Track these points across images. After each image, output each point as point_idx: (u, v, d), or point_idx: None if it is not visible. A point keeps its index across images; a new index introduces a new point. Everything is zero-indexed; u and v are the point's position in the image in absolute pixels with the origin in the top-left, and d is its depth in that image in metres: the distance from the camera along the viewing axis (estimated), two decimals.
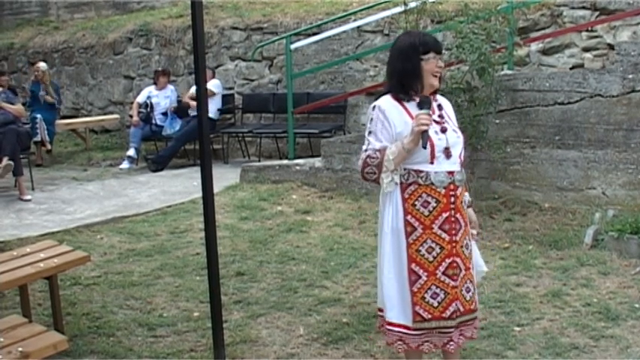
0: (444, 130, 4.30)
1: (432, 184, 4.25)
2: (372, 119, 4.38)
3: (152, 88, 13.71)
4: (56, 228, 8.61)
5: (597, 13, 10.32)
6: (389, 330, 4.43)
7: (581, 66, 10.20)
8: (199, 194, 4.81)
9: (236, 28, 13.83)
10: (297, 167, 10.24)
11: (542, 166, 8.46)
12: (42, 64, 14.35)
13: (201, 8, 4.61)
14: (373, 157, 4.34)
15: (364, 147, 4.42)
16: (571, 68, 10.15)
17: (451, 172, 4.27)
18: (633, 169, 8.09)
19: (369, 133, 4.40)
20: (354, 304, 6.27)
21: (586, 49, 10.37)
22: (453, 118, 4.47)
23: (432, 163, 4.25)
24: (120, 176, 12.26)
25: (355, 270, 7.13)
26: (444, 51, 8.87)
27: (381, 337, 5.56)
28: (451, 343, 4.37)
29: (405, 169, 4.31)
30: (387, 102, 4.38)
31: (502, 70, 9.22)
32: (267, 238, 8.15)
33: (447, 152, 4.27)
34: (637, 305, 6.03)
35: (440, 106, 4.42)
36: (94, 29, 16.19)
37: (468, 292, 4.35)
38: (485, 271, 4.77)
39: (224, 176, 10.87)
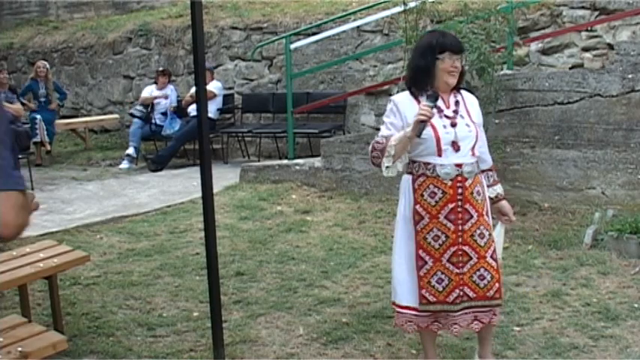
0: (453, 125, 4.49)
1: (438, 175, 4.47)
2: (387, 110, 4.66)
3: (153, 87, 13.72)
4: (56, 228, 8.61)
5: (597, 12, 10.33)
6: (398, 312, 4.74)
7: (581, 66, 10.21)
8: (199, 194, 4.82)
9: (236, 28, 13.83)
10: (297, 167, 10.24)
11: (541, 166, 8.46)
12: (45, 62, 14.40)
13: (200, 8, 4.61)
14: (379, 143, 4.57)
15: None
16: (570, 68, 10.15)
17: (459, 165, 4.47)
18: (633, 168, 8.09)
19: (383, 123, 4.67)
20: (354, 304, 6.27)
21: (585, 49, 10.37)
22: (474, 114, 4.64)
23: (439, 155, 4.47)
24: (119, 176, 12.27)
25: (355, 270, 7.13)
26: None
27: (380, 337, 5.58)
28: (455, 326, 4.62)
29: (415, 162, 4.55)
30: (402, 96, 4.66)
31: (502, 69, 9.22)
32: (266, 238, 8.15)
33: (455, 146, 4.47)
34: (636, 305, 6.03)
35: (457, 102, 4.61)
36: (93, 29, 16.20)
37: (482, 279, 4.56)
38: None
39: (224, 176, 10.87)
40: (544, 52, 10.66)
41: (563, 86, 8.45)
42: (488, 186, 4.76)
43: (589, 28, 10.30)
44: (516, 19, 10.04)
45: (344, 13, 11.95)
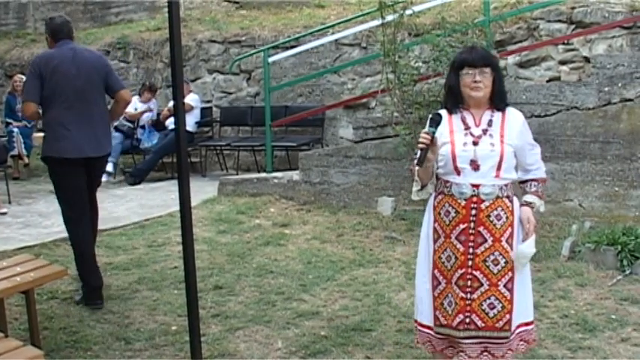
0: (475, 143, 4.36)
1: (453, 194, 4.39)
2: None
3: (135, 99, 13.67)
4: (33, 242, 8.55)
5: (573, 26, 10.40)
6: (419, 330, 4.66)
7: (558, 79, 10.26)
8: (177, 207, 4.79)
9: (214, 41, 13.83)
10: (275, 180, 10.23)
11: None
12: (22, 76, 14.32)
13: (178, 21, 4.61)
14: (413, 165, 4.51)
15: None
16: (548, 81, 10.20)
17: (476, 185, 4.34)
18: (609, 180, 8.14)
19: None
20: (332, 317, 6.26)
21: (562, 62, 10.44)
22: (510, 134, 4.43)
23: (458, 174, 4.38)
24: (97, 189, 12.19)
25: (333, 283, 7.13)
26: (421, 64, 8.94)
27: (359, 350, 5.59)
28: (462, 354, 4.46)
29: (438, 179, 4.49)
30: (434, 113, 4.47)
31: None
32: (245, 252, 8.13)
33: (474, 165, 4.34)
34: (614, 316, 6.06)
35: (490, 121, 4.44)
36: None
37: (492, 308, 4.39)
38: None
39: (202, 189, 10.84)
40: (521, 65, 10.73)
41: (541, 99, 8.50)
42: (527, 193, 4.58)
43: (566, 42, 10.36)
44: (494, 32, 10.09)
45: (322, 27, 11.98)
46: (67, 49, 6.80)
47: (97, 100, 6.81)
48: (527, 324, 4.56)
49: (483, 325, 4.38)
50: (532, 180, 4.61)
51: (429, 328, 4.57)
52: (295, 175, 10.19)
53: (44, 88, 6.58)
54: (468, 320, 4.38)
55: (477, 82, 4.38)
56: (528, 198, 4.60)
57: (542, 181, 4.67)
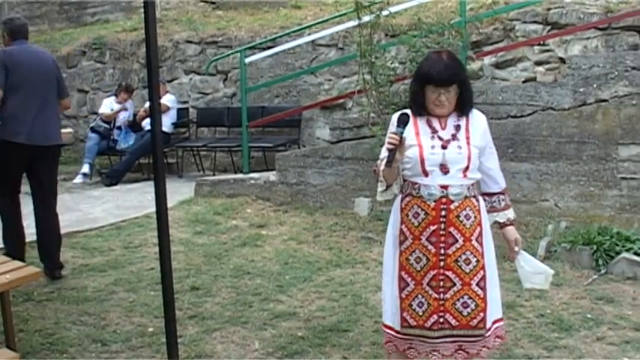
0: (444, 147, 4.32)
1: (422, 196, 4.33)
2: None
3: (111, 100, 13.62)
4: None
5: (549, 27, 10.44)
6: (384, 331, 4.62)
7: (534, 79, 10.29)
8: (153, 209, 4.78)
9: (190, 42, 13.80)
10: (252, 181, 10.23)
11: None
12: None
13: (154, 21, 4.59)
14: (377, 166, 4.47)
15: None
16: (524, 82, 10.22)
17: (445, 186, 4.30)
18: (585, 180, 8.18)
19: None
20: (309, 318, 6.26)
21: (538, 63, 10.47)
22: (475, 136, 4.42)
23: (426, 176, 4.33)
24: (73, 191, 12.15)
25: (310, 284, 7.13)
26: (397, 65, 8.94)
27: (336, 351, 5.58)
28: (435, 353, 4.42)
29: (405, 181, 4.43)
30: (400, 113, 4.42)
31: None
32: (221, 253, 8.12)
33: (443, 168, 4.31)
34: (589, 316, 6.10)
35: (458, 126, 4.41)
36: (47, 42, 16.05)
37: (465, 307, 4.37)
38: (552, 273, 4.85)
39: (178, 190, 10.83)
40: (497, 65, 10.75)
41: (516, 100, 8.53)
42: (499, 210, 4.65)
43: (541, 43, 10.40)
44: (470, 33, 10.11)
45: (299, 27, 11.98)
46: (26, 47, 7.56)
47: (50, 95, 7.53)
48: (499, 320, 4.57)
49: (457, 323, 4.37)
50: (499, 194, 4.66)
51: (390, 328, 4.55)
52: (272, 175, 10.19)
53: (7, 78, 7.19)
54: (442, 320, 4.37)
55: (442, 102, 4.35)
56: (508, 215, 4.69)
57: (507, 191, 4.75)
